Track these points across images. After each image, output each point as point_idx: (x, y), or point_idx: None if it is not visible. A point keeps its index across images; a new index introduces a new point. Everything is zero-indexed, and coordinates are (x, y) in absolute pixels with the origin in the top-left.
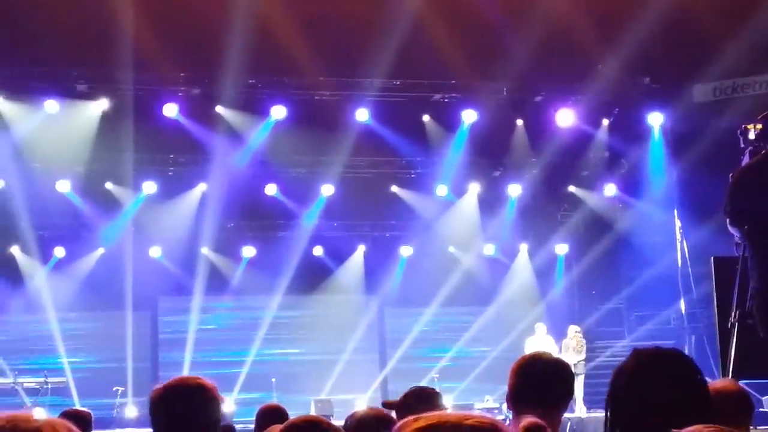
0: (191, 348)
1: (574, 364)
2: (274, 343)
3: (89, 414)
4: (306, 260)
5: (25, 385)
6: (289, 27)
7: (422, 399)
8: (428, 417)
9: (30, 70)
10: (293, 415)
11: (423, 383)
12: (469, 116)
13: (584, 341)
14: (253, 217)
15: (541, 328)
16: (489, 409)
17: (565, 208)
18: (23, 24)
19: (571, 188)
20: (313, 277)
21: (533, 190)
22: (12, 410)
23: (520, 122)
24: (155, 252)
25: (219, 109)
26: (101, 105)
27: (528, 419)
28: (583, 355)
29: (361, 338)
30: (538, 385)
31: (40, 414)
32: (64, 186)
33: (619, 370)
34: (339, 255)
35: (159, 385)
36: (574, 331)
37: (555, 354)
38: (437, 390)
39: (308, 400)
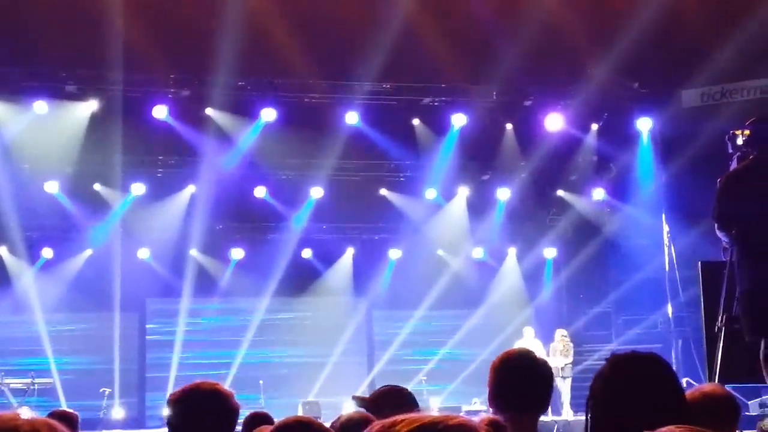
0: (179, 349)
1: (561, 368)
2: (262, 345)
3: (76, 415)
4: (295, 262)
5: (11, 385)
6: (279, 29)
7: (393, 398)
8: (411, 420)
9: (19, 71)
10: (280, 418)
11: (411, 385)
12: (458, 120)
13: (571, 345)
14: (242, 219)
15: (529, 331)
16: (476, 412)
17: (553, 212)
18: (13, 24)
19: (560, 192)
20: (301, 279)
21: (522, 193)
22: None
23: (509, 126)
24: (143, 253)
25: (208, 111)
26: (90, 106)
27: (487, 416)
28: (570, 359)
29: (350, 340)
30: (517, 383)
31: (26, 414)
32: (52, 187)
33: (597, 374)
34: (328, 257)
35: (176, 390)
36: (561, 334)
37: (541, 356)
38: (409, 389)
39: (296, 402)
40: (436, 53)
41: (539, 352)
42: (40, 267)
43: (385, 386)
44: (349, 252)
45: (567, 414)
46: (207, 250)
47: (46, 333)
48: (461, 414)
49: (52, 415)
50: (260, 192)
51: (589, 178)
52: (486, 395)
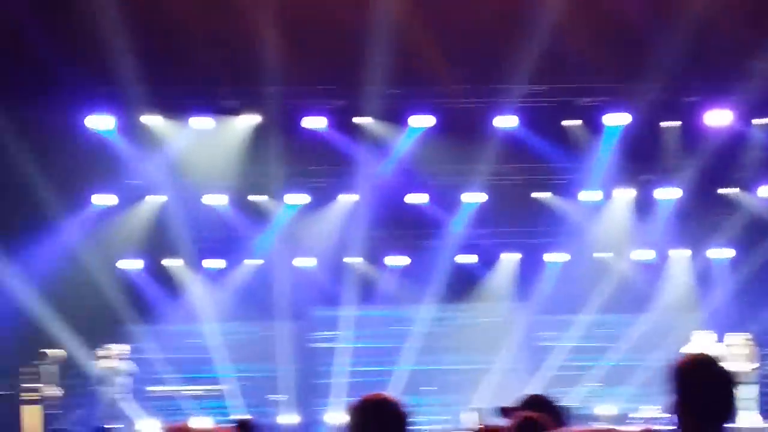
0: (343, 357)
1: (747, 373)
2: (425, 352)
3: (255, 422)
4: (455, 268)
5: (185, 393)
6: (429, 36)
7: (542, 407)
8: None
9: (181, 89)
10: (443, 425)
11: (575, 392)
12: (617, 119)
13: (757, 349)
14: (401, 226)
15: (703, 335)
16: (648, 419)
17: (722, 211)
18: (171, 43)
19: (728, 190)
20: (462, 285)
21: (688, 193)
22: (172, 418)
23: (671, 124)
24: (306, 263)
25: (363, 120)
26: (250, 120)
27: (646, 426)
28: (756, 364)
29: (513, 346)
30: (699, 389)
31: (198, 423)
32: (217, 200)
33: None
34: (489, 262)
35: (355, 400)
36: (745, 338)
37: (723, 361)
38: (557, 399)
39: (460, 410)
40: (591, 52)
41: (718, 356)
42: (208, 277)
43: (533, 394)
44: (510, 256)
45: (756, 421)
46: (368, 258)
47: (216, 341)
48: (626, 422)
49: (231, 421)
50: (417, 198)
51: (760, 175)
52: (656, 402)
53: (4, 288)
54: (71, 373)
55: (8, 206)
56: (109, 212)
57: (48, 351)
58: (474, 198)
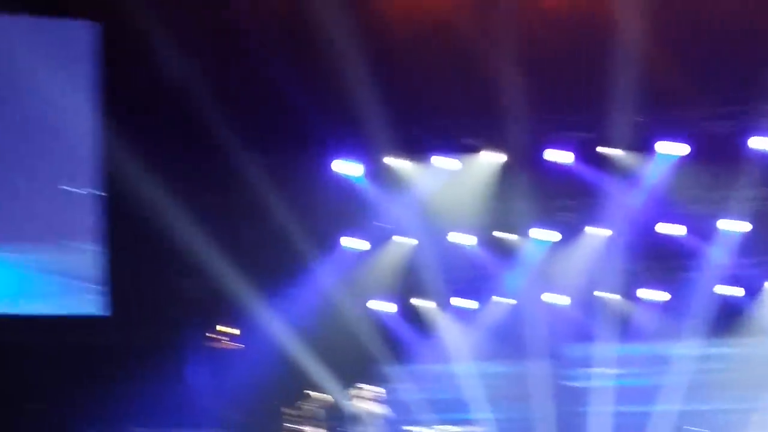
0: (603, 396)
1: None
2: (689, 392)
3: None
4: (718, 301)
5: None
6: (676, 59)
7: None
8: None
9: (423, 129)
10: None
11: None
12: None
13: None
14: (656, 258)
15: None
16: None
17: None
18: (411, 85)
19: None
20: (727, 319)
21: None
22: None
23: None
24: (559, 300)
25: (610, 150)
26: (494, 157)
27: None
28: None
29: None
30: None
31: None
32: (465, 239)
33: None
34: (755, 294)
35: None
36: None
37: None
38: None
39: None
40: None
41: None
42: (459, 317)
43: None
44: None
45: None
46: (623, 293)
47: (471, 382)
48: None
49: None
50: (671, 229)
51: None
52: None
53: (266, 330)
54: (331, 415)
55: (268, 252)
56: (360, 255)
57: (312, 393)
58: (735, 226)
